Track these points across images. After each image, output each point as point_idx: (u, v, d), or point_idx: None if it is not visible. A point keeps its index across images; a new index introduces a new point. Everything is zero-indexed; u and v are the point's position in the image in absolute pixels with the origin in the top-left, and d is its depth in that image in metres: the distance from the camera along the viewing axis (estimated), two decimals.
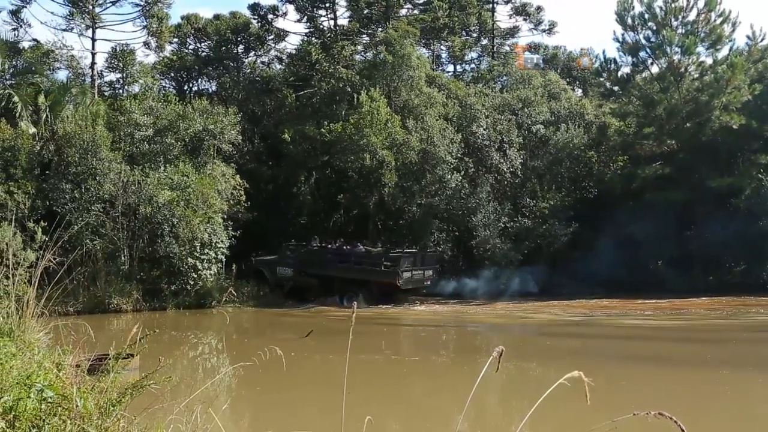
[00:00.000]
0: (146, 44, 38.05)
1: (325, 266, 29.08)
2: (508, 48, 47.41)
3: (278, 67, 44.39)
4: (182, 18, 42.90)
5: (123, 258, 27.11)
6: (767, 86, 32.95)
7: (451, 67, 48.02)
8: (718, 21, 33.11)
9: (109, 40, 40.73)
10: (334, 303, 27.78)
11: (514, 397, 10.44)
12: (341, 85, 36.76)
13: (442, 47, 46.73)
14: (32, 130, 27.93)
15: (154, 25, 36.79)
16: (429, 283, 29.87)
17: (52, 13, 49.41)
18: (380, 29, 40.91)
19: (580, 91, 45.64)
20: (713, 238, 30.93)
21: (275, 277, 29.92)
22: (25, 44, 35.48)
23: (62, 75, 36.03)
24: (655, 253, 32.32)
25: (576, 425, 7.87)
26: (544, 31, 46.89)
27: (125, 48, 36.54)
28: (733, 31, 33.42)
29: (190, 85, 44.23)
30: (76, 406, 4.04)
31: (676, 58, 33.57)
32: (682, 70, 33.62)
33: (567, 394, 2.77)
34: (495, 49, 46.32)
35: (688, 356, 15.58)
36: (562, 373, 2.70)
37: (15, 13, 35.33)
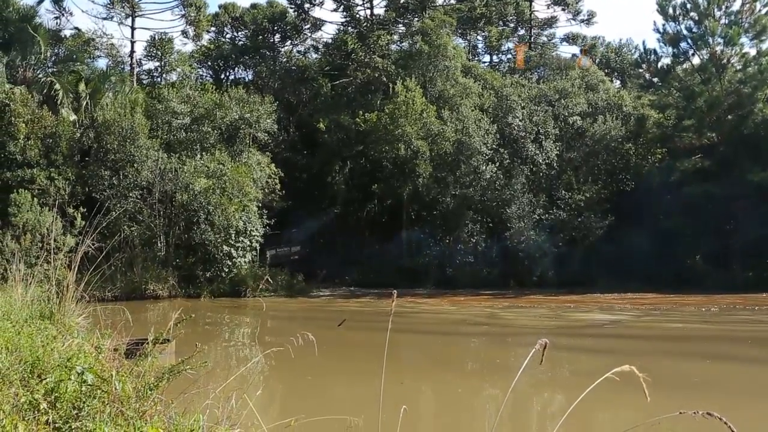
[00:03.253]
0: (184, 33, 38.55)
1: None
2: (545, 38, 46.91)
3: (314, 56, 44.54)
4: (220, 7, 43.23)
5: (159, 244, 27.48)
6: None
7: (487, 58, 47.71)
8: (764, 11, 32.34)
9: (148, 29, 41.21)
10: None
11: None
12: (377, 75, 36.76)
13: (478, 37, 46.41)
14: (73, 117, 28.41)
15: (192, 14, 37.21)
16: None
17: (92, 1, 49.95)
18: (416, 19, 40.71)
19: (619, 82, 44.99)
20: (753, 234, 30.28)
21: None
22: (67, 32, 36.21)
23: (102, 63, 36.72)
24: (692, 247, 31.73)
25: (622, 421, 7.79)
26: (582, 21, 46.33)
27: (164, 37, 37.04)
28: None
29: (227, 73, 44.58)
30: (115, 389, 4.10)
31: (718, 49, 32.88)
32: (725, 61, 32.92)
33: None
34: (532, 40, 45.85)
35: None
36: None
37: (57, 2, 35.97)
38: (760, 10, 32.32)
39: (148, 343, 5.23)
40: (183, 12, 37.41)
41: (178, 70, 37.33)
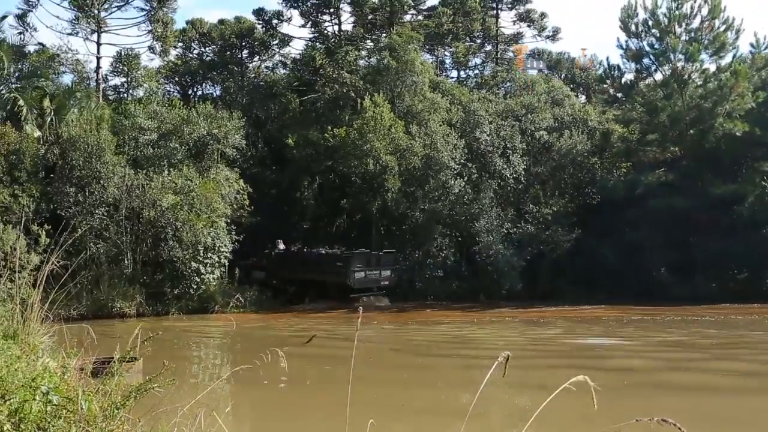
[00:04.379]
0: (151, 48, 38.27)
1: (289, 269, 30.53)
2: (511, 54, 47.48)
3: (282, 71, 44.48)
4: (187, 22, 43.11)
5: (126, 262, 27.15)
6: None
7: (454, 73, 48.13)
8: (722, 28, 33.18)
9: (114, 45, 40.76)
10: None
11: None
12: (345, 90, 36.85)
13: (446, 53, 46.81)
14: (37, 133, 28.03)
15: (159, 30, 36.99)
16: (387, 283, 30.71)
17: (57, 17, 49.85)
18: (384, 35, 40.98)
19: (584, 97, 45.69)
20: (716, 246, 30.90)
21: (250, 281, 30.76)
22: (31, 48, 35.72)
23: (67, 79, 36.26)
24: (657, 260, 32.24)
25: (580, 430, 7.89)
26: (548, 37, 46.92)
27: (130, 52, 36.73)
28: (737, 38, 33.56)
29: (195, 89, 44.39)
30: (81, 408, 4.07)
31: (679, 65, 33.64)
32: (686, 77, 33.66)
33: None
34: (499, 55, 46.39)
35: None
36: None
37: (21, 17, 35.56)
38: (719, 27, 33.14)
39: (114, 362, 5.19)
40: (150, 28, 37.17)
41: (145, 85, 37.04)
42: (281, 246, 31.93)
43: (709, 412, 10.02)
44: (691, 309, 26.65)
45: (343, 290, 29.01)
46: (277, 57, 45.24)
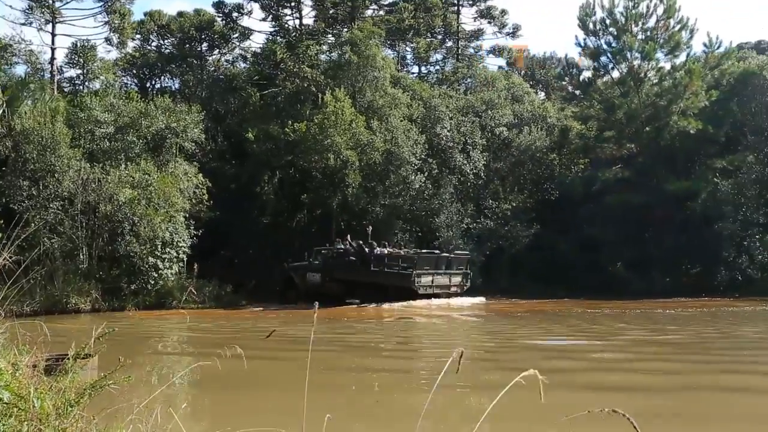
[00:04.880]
0: (108, 40, 37.61)
1: (347, 270, 27.61)
2: (472, 50, 47.81)
3: (242, 65, 44.15)
4: (145, 14, 42.49)
5: (82, 257, 26.69)
6: (723, 93, 33.75)
7: (415, 69, 48.28)
8: (677, 28, 33.87)
9: (70, 36, 39.90)
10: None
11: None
12: (306, 85, 36.71)
13: (407, 48, 46.93)
14: None
15: (116, 21, 36.34)
16: (457, 289, 28.09)
17: (10, 6, 48.56)
18: (345, 29, 40.87)
19: (543, 94, 46.21)
20: (670, 241, 31.59)
21: (305, 284, 28.48)
22: None
23: (20, 70, 35.41)
24: (614, 255, 32.83)
25: (533, 423, 7.99)
26: (508, 34, 47.32)
27: (86, 44, 36.01)
28: (691, 38, 34.33)
29: (153, 82, 43.76)
30: (33, 406, 4.00)
31: (636, 63, 34.25)
32: (642, 75, 34.30)
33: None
34: (460, 52, 46.64)
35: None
36: None
37: None
38: (674, 27, 33.83)
39: (68, 359, 5.11)
40: (106, 19, 36.48)
41: (102, 78, 36.36)
42: (340, 246, 29.07)
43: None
44: (648, 303, 27.15)
45: (407, 296, 26.48)
46: (237, 50, 44.91)
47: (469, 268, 29.34)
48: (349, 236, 29.26)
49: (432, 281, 26.92)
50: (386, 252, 27.89)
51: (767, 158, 33.27)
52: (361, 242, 28.35)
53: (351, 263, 27.75)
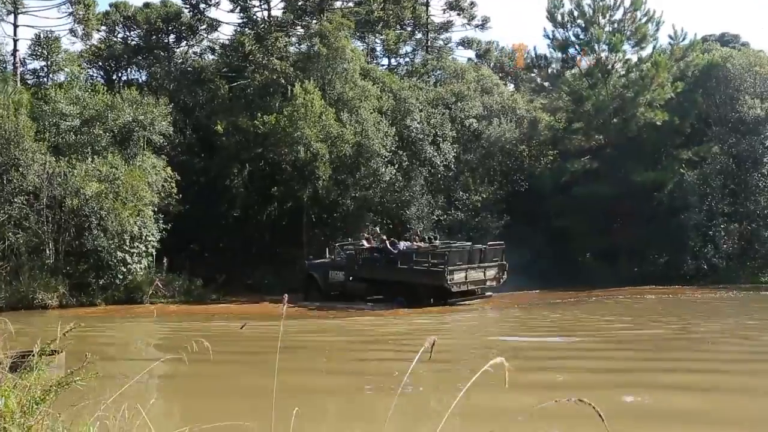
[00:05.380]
0: (72, 32, 36.95)
1: (372, 268, 25.52)
2: (442, 42, 47.86)
3: (211, 57, 43.62)
4: (111, 5, 41.69)
5: (48, 252, 26.33)
6: (689, 84, 34.23)
7: (385, 61, 48.14)
8: (643, 20, 34.26)
9: (33, 27, 39.32)
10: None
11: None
12: (275, 77, 36.44)
13: (376, 40, 46.77)
14: None
15: (81, 12, 35.74)
16: (493, 283, 25.53)
17: None
18: (315, 21, 40.63)
19: (512, 86, 46.44)
20: (638, 231, 32.04)
21: (327, 284, 26.72)
22: None
23: None
24: (583, 245, 33.23)
25: (502, 411, 8.07)
26: (477, 26, 47.41)
27: (50, 35, 35.37)
28: (657, 30, 34.72)
29: (119, 74, 43.08)
30: None
31: (603, 55, 34.63)
32: (609, 67, 34.65)
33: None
34: (429, 44, 46.67)
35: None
36: None
37: None
38: (640, 19, 34.22)
39: (34, 356, 5.04)
40: (71, 10, 35.85)
41: (67, 70, 35.71)
42: (365, 243, 27.01)
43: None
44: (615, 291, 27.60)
45: (439, 295, 24.25)
46: (205, 42, 44.31)
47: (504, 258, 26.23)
48: (369, 229, 27.91)
49: (465, 277, 24.19)
50: (415, 247, 25.61)
51: (731, 149, 33.82)
52: (385, 237, 26.64)
53: (375, 260, 25.71)
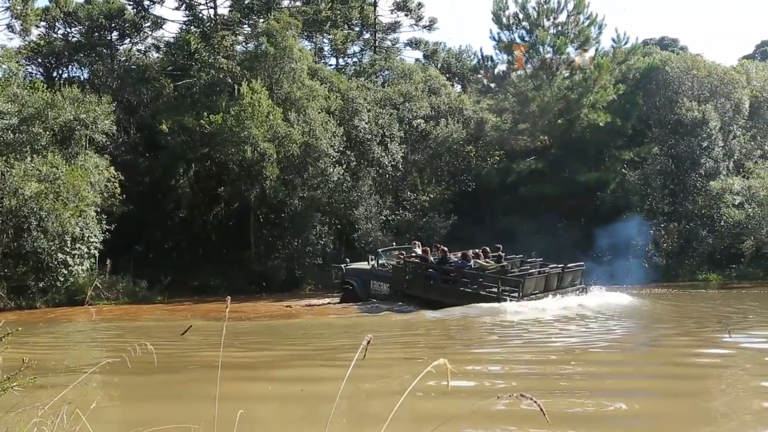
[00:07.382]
0: (10, 27, 35.94)
1: (426, 286, 21.47)
2: (389, 43, 48.01)
3: (155, 55, 42.88)
4: (50, 1, 40.66)
5: None
6: (630, 87, 35.07)
7: (333, 61, 48.08)
8: (586, 23, 34.98)
9: None
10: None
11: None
12: (221, 76, 36.04)
13: (324, 40, 46.67)
14: None
15: (18, 7, 34.74)
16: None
17: None
18: (262, 20, 40.31)
19: (459, 87, 46.85)
20: (582, 232, 32.67)
21: (368, 294, 23.09)
22: None
23: None
24: (529, 245, 33.62)
25: (443, 412, 8.13)
26: (424, 27, 47.71)
27: None
28: (600, 33, 35.49)
29: (60, 71, 42.02)
30: None
31: (548, 57, 35.17)
32: (554, 69, 35.26)
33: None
34: (377, 44, 46.78)
35: None
36: None
37: None
38: (583, 22, 34.94)
39: None
40: (8, 4, 34.85)
41: (4, 66, 34.64)
42: (417, 250, 23.51)
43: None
44: None
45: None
46: (149, 40, 43.55)
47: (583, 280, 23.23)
48: (418, 243, 24.48)
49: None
50: (481, 264, 21.30)
51: (671, 150, 34.71)
52: (446, 249, 22.40)
53: (430, 277, 21.82)
